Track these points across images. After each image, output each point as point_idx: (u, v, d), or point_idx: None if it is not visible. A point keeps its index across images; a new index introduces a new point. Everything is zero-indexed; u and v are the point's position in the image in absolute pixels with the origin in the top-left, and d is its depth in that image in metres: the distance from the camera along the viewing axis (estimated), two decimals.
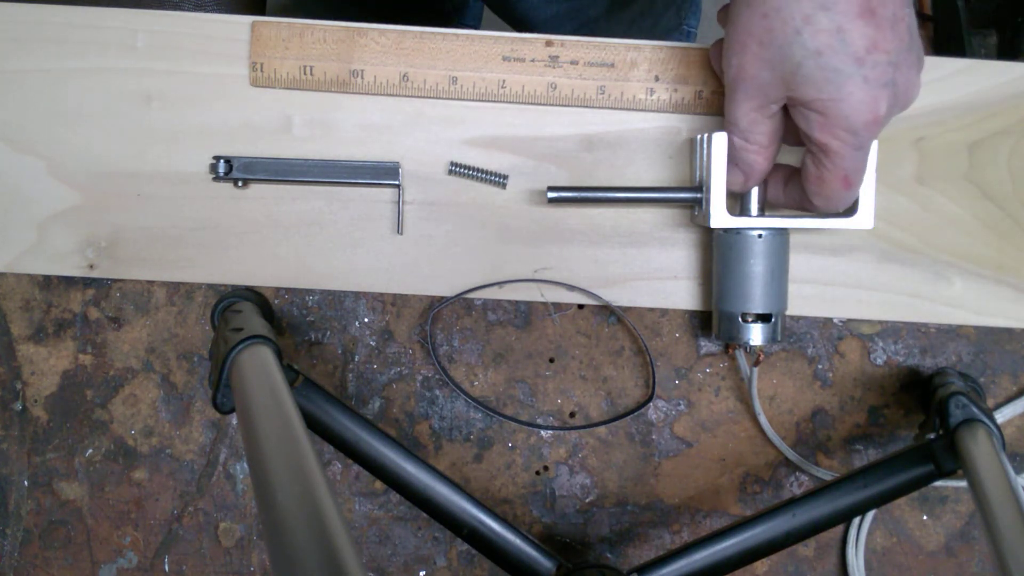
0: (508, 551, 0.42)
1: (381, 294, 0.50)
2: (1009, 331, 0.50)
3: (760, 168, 0.43)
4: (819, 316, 0.50)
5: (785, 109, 0.41)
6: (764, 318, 0.45)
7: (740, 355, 0.48)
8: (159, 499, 0.50)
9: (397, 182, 0.48)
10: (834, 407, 0.50)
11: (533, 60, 0.47)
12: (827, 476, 0.49)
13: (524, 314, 0.50)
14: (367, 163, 0.48)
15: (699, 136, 0.46)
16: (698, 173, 0.46)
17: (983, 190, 0.48)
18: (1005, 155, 0.48)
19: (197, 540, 0.50)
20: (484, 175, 0.48)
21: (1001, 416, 0.49)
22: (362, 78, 0.47)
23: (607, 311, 0.50)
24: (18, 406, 0.50)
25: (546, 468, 0.50)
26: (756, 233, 0.44)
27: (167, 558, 0.50)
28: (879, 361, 0.50)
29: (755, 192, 0.45)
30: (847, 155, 0.39)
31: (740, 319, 0.45)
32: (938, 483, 0.43)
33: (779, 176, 0.45)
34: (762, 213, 0.45)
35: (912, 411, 0.50)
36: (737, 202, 0.46)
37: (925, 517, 0.50)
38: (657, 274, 0.49)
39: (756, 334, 0.45)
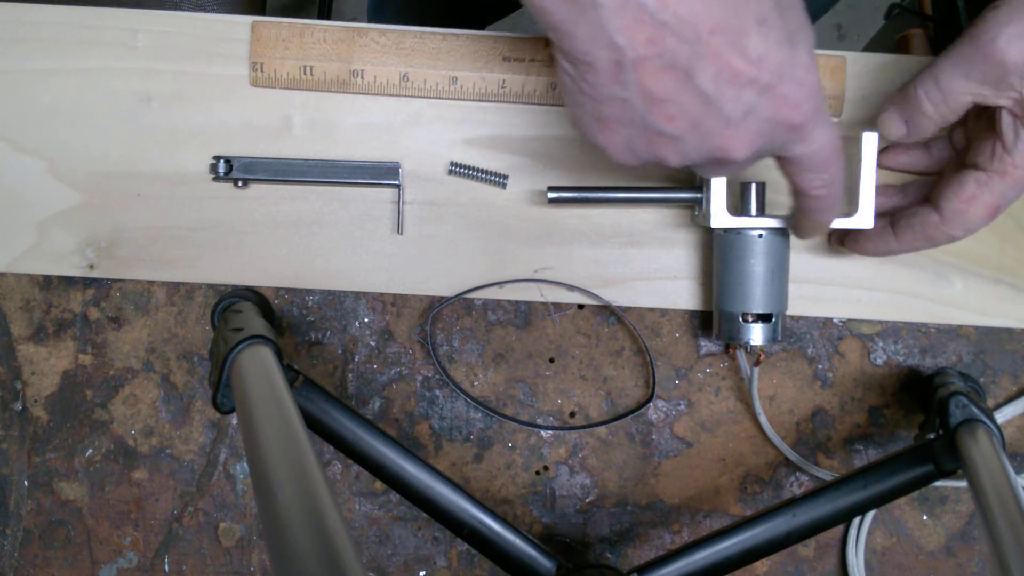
0: (508, 551, 0.42)
1: (381, 294, 0.50)
2: (1009, 331, 0.50)
3: (925, 130, 0.42)
4: (819, 316, 0.50)
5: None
6: (764, 318, 0.45)
7: (740, 355, 0.48)
8: (159, 499, 0.50)
9: (397, 182, 0.48)
10: (834, 407, 0.50)
11: (533, 60, 0.47)
12: (827, 476, 0.49)
13: (524, 314, 0.50)
14: (367, 163, 0.48)
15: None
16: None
17: None
18: None
19: (197, 540, 0.50)
20: (484, 175, 0.48)
21: (1001, 416, 0.49)
22: (362, 78, 0.47)
23: (607, 311, 0.50)
24: (18, 406, 0.50)
25: (546, 468, 0.50)
26: (756, 233, 0.44)
27: (167, 558, 0.50)
28: (879, 361, 0.50)
29: (754, 192, 0.45)
30: (1018, 184, 0.40)
31: (740, 319, 0.45)
32: (938, 483, 0.43)
33: (884, 221, 0.45)
34: (762, 213, 0.45)
35: (912, 411, 0.50)
36: (738, 201, 0.46)
37: (925, 517, 0.50)
38: (657, 274, 0.49)
39: (756, 334, 0.45)
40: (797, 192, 0.38)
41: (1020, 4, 0.37)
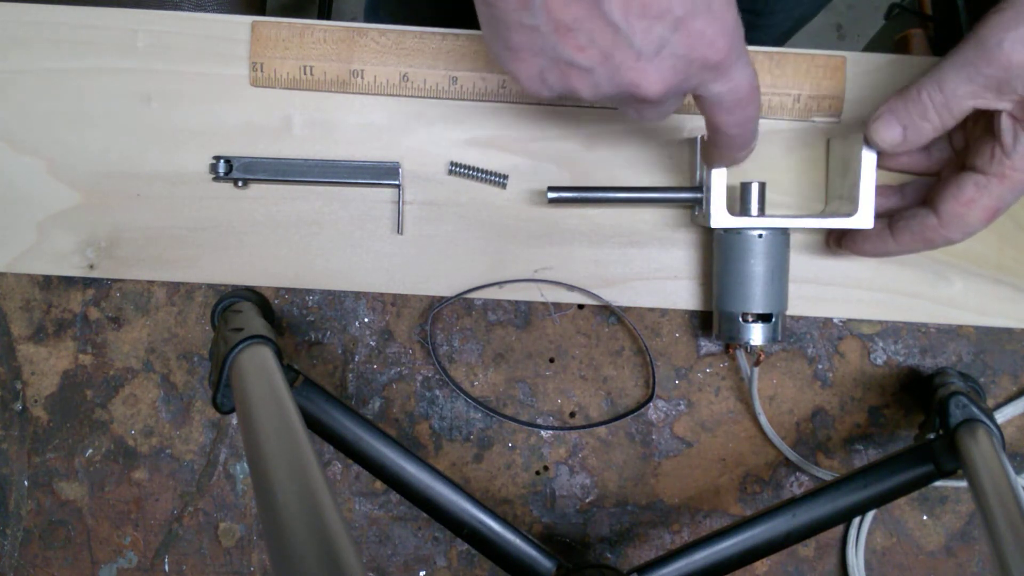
0: (508, 551, 0.42)
1: (381, 294, 0.50)
2: (1009, 331, 0.50)
3: (923, 136, 0.41)
4: (819, 316, 0.50)
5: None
6: (764, 318, 0.45)
7: (740, 355, 0.48)
8: (159, 499, 0.50)
9: (397, 182, 0.48)
10: (834, 407, 0.50)
11: None
12: (827, 476, 0.49)
13: (524, 314, 0.50)
14: (367, 163, 0.48)
15: (699, 136, 0.46)
16: (698, 173, 0.46)
17: None
18: None
19: (197, 540, 0.50)
20: (484, 175, 0.48)
21: (1001, 416, 0.49)
22: (362, 78, 0.47)
23: (607, 311, 0.50)
24: (18, 406, 0.50)
25: (546, 468, 0.50)
26: (756, 233, 0.44)
27: (167, 558, 0.50)
28: (879, 361, 0.50)
29: (755, 192, 0.45)
30: (1016, 188, 0.39)
31: (740, 319, 0.45)
32: (938, 483, 0.43)
33: (882, 223, 0.44)
34: (762, 213, 0.45)
35: (912, 411, 0.50)
36: (739, 201, 0.46)
37: (925, 517, 0.50)
38: (657, 274, 0.49)
39: (756, 334, 0.45)
40: (711, 128, 0.38)
41: None
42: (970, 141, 0.43)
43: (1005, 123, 0.39)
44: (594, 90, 0.34)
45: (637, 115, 0.37)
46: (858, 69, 0.48)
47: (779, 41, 0.79)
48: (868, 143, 0.43)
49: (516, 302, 0.50)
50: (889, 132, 0.41)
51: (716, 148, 0.40)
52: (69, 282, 0.49)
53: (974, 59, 0.38)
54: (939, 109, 0.39)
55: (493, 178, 0.48)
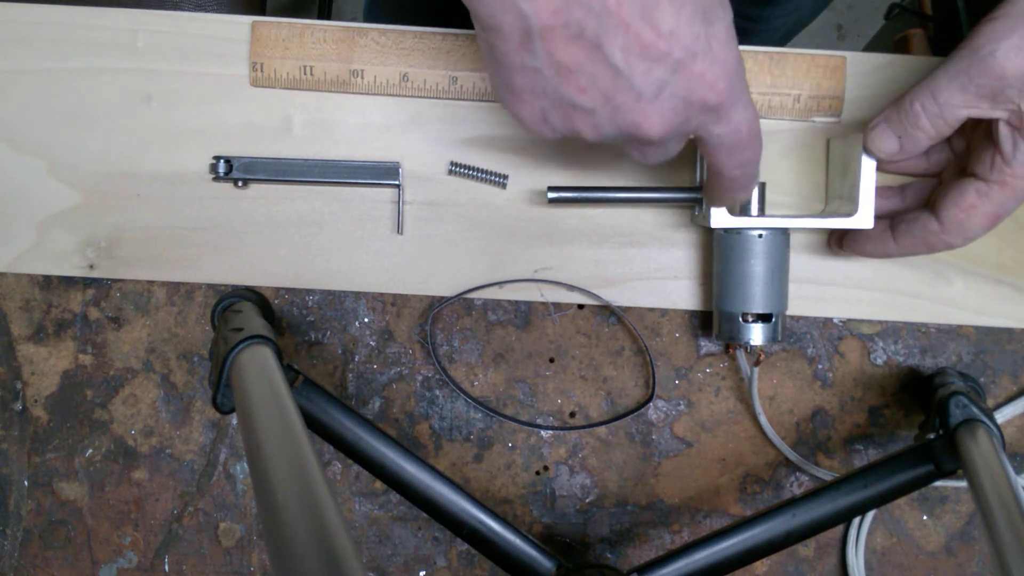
0: (508, 551, 0.42)
1: (381, 294, 0.50)
2: (1009, 331, 0.50)
3: (919, 145, 0.41)
4: (819, 316, 0.50)
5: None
6: (764, 318, 0.45)
7: (740, 355, 0.48)
8: (159, 499, 0.50)
9: (397, 182, 0.48)
10: (834, 407, 0.50)
11: None
12: (827, 476, 0.49)
13: (524, 314, 0.50)
14: (367, 163, 0.48)
15: None
16: (698, 173, 0.46)
17: None
18: None
19: (197, 540, 0.50)
20: (484, 175, 0.48)
21: (1001, 416, 0.49)
22: (362, 78, 0.47)
23: (607, 311, 0.50)
24: (18, 406, 0.50)
25: (546, 468, 0.50)
26: (756, 233, 0.44)
27: (167, 558, 0.50)
28: (879, 361, 0.50)
29: (755, 192, 0.45)
30: (1018, 195, 0.39)
31: (740, 319, 0.45)
32: (938, 483, 0.43)
33: (883, 224, 0.44)
34: (762, 213, 0.45)
35: (912, 411, 0.50)
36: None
37: (925, 517, 0.50)
38: (657, 274, 0.49)
39: (756, 334, 0.45)
40: (712, 170, 0.38)
41: (1018, 16, 0.36)
42: (971, 146, 0.43)
43: (1003, 132, 0.39)
44: (596, 131, 0.34)
45: (640, 156, 0.37)
46: (858, 69, 0.48)
47: (778, 44, 0.79)
48: (867, 152, 0.43)
49: (516, 302, 0.50)
50: (885, 143, 0.42)
51: (717, 189, 0.40)
52: (69, 282, 0.49)
53: (967, 68, 0.37)
54: (933, 119, 0.39)
55: (493, 178, 0.48)
